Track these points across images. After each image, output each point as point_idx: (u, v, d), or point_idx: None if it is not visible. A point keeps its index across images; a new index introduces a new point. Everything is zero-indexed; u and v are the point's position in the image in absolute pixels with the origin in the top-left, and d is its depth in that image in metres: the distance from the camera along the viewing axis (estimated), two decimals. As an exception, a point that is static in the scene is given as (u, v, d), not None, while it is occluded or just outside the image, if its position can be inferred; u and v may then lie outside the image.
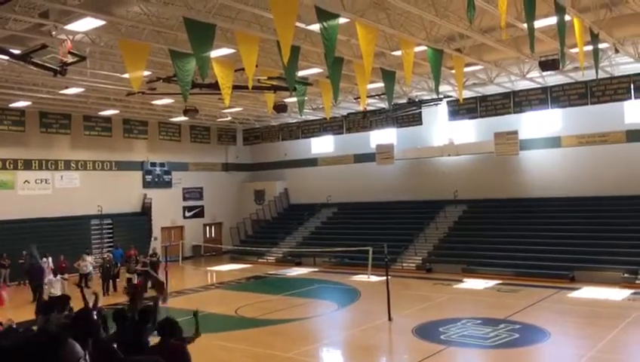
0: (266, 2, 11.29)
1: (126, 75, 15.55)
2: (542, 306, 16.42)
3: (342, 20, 12.14)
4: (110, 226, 28.05)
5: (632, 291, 17.74)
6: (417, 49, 15.03)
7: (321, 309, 17.59)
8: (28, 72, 16.99)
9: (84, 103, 23.86)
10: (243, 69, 12.99)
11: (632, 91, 20.63)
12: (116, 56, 16.30)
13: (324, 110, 21.74)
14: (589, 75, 19.29)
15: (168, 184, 31.19)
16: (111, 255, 22.62)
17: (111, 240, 27.43)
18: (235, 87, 15.59)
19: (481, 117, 24.52)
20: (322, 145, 32.62)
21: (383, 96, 21.17)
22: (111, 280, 20.97)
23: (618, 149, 23.02)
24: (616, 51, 17.00)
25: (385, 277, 15.52)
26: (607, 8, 14.57)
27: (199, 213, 32.98)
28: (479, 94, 24.13)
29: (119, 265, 21.98)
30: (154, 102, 23.22)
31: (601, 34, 14.71)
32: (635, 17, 14.46)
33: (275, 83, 16.71)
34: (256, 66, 13.17)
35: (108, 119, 27.14)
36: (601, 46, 15.70)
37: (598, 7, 14.31)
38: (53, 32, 13.46)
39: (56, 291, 16.08)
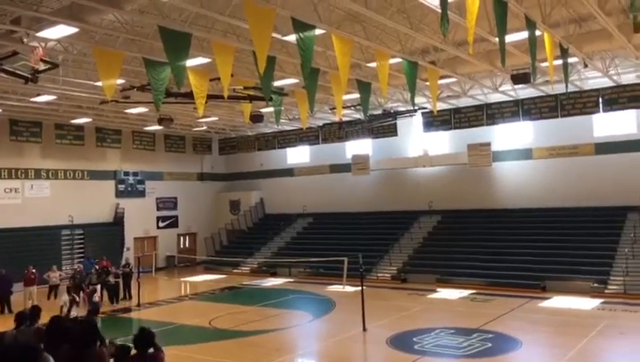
0: (242, 12, 11.31)
1: (99, 83, 15.36)
2: (514, 315, 16.62)
3: (318, 32, 12.23)
4: (81, 237, 27.50)
5: (601, 300, 18.08)
6: (392, 61, 15.22)
7: (295, 320, 17.51)
8: (-2, 78, 16.67)
9: (56, 111, 23.47)
10: (219, 79, 12.96)
11: (601, 105, 21.16)
12: (89, 64, 16.12)
13: (301, 120, 21.81)
14: (559, 88, 19.75)
15: (142, 194, 30.79)
16: (82, 266, 22.16)
17: (82, 250, 26.91)
18: (211, 97, 15.55)
19: (455, 128, 24.86)
20: (298, 155, 32.64)
21: (358, 107, 21.31)
22: (82, 292, 20.52)
23: (587, 161, 23.55)
24: (585, 66, 17.44)
25: (360, 288, 15.55)
26: (576, 24, 14.97)
27: (173, 223, 32.61)
28: (453, 106, 24.47)
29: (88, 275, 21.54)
30: (128, 110, 22.96)
31: (571, 49, 15.09)
32: (603, 33, 14.87)
33: (251, 93, 16.70)
34: (232, 76, 13.16)
35: (80, 127, 26.72)
36: (570, 60, 16.09)
37: (567, 22, 14.68)
38: (25, 39, 13.24)
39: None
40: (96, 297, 15.33)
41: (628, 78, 20.55)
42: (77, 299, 15.58)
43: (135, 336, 6.00)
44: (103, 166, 29.07)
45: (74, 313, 13.99)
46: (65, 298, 15.24)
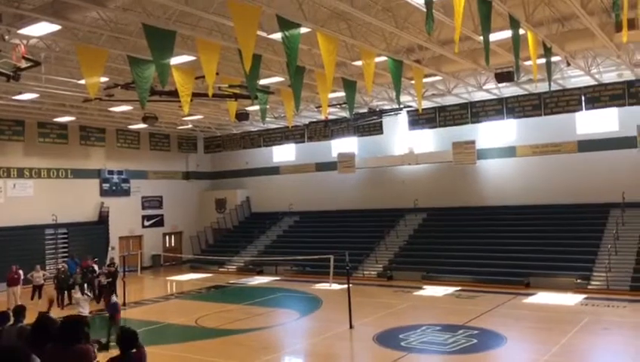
0: (227, 10, 11.27)
1: (83, 81, 15.21)
2: (499, 312, 16.78)
3: (303, 30, 12.23)
4: (65, 236, 27.23)
5: (585, 296, 18.33)
6: (378, 59, 15.26)
7: (282, 318, 17.51)
8: (-21, 76, 16.42)
9: (39, 110, 23.18)
10: (204, 77, 12.91)
11: (583, 103, 21.43)
12: (73, 62, 15.94)
13: (286, 118, 21.78)
14: (543, 87, 19.96)
15: (127, 192, 30.55)
16: (66, 265, 21.94)
17: (66, 250, 26.63)
18: (196, 95, 15.47)
19: (440, 126, 25.01)
20: (284, 153, 32.61)
21: (344, 105, 21.36)
22: (66, 292, 20.35)
23: (570, 159, 23.84)
24: (568, 64, 17.66)
25: (346, 285, 15.60)
26: (559, 23, 15.13)
27: (159, 221, 32.40)
28: (438, 104, 24.62)
29: (73, 275, 21.34)
30: (112, 108, 22.76)
31: (554, 47, 15.25)
32: (585, 32, 15.04)
33: (236, 91, 16.64)
34: (217, 74, 13.11)
35: (64, 126, 26.44)
36: (553, 59, 16.27)
37: (550, 21, 14.83)
38: (6, 37, 13.08)
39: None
40: (115, 298, 14.94)
41: (609, 77, 20.83)
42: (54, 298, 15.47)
43: (117, 337, 5.97)
44: (87, 164, 28.80)
45: (82, 310, 13.85)
46: (78, 295, 15.50)
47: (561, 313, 16.44)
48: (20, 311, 7.48)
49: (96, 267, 21.45)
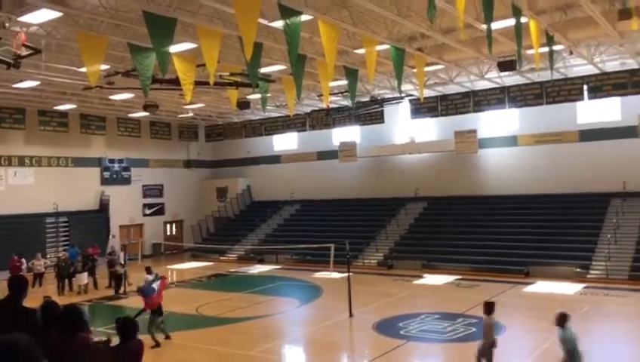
0: (228, -3, 11.19)
1: (83, 69, 15.15)
2: (498, 300, 16.60)
3: (305, 18, 12.15)
4: (66, 224, 27.28)
5: (584, 285, 18.39)
6: (379, 47, 15.18)
7: (282, 307, 17.58)
8: (-21, 64, 16.36)
9: (39, 98, 23.14)
10: (205, 65, 12.85)
11: (585, 92, 21.35)
12: (73, 50, 15.88)
13: (288, 107, 21.71)
14: (545, 75, 19.88)
15: (127, 181, 30.57)
16: (67, 253, 22.02)
17: (67, 238, 26.70)
18: (197, 83, 15.41)
19: (442, 115, 24.95)
20: (285, 142, 32.56)
21: (345, 93, 21.30)
22: (67, 279, 20.45)
23: (571, 148, 23.81)
24: (571, 53, 17.58)
25: (346, 274, 15.65)
26: (562, 11, 15.03)
27: (159, 210, 32.46)
28: (440, 93, 24.54)
29: (74, 263, 21.41)
30: (112, 97, 22.71)
31: (557, 36, 15.17)
32: (588, 20, 14.95)
33: (237, 79, 16.59)
34: (218, 62, 13.05)
35: (64, 114, 26.40)
36: (556, 48, 16.18)
37: (553, 9, 14.74)
38: (7, 24, 13.01)
39: None
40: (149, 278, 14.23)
41: (612, 66, 20.70)
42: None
43: (117, 326, 5.98)
44: (88, 153, 28.80)
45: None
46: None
47: (560, 302, 16.44)
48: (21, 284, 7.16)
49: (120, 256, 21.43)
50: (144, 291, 13.25)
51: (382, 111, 26.47)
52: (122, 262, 20.38)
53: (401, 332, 13.40)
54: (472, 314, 14.84)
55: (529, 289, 18.48)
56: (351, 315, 14.87)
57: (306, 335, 14.41)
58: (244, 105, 21.95)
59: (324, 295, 18.84)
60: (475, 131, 25.36)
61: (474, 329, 13.35)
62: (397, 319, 14.61)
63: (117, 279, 20.17)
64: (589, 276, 19.18)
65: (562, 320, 8.70)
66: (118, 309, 17.63)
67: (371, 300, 17.15)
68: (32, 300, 7.79)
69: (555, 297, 17.16)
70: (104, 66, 15.85)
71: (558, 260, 20.29)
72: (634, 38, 17.41)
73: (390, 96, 24.96)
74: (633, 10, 11.17)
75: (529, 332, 13.67)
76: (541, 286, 18.66)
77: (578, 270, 19.51)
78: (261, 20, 11.97)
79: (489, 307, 9.73)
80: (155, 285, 13.36)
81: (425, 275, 21.39)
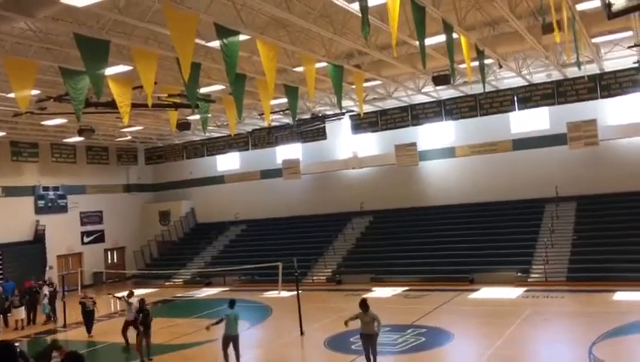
0: (163, 18, 11.04)
1: (12, 95, 14.52)
2: (445, 309, 17.17)
3: (242, 37, 12.15)
4: (-1, 257, 25.90)
5: (525, 289, 19.04)
6: (318, 65, 15.35)
7: (232, 329, 17.20)
8: None
9: (-35, 125, 21.99)
10: (142, 87, 12.59)
11: (516, 103, 22.35)
12: (1, 75, 15.19)
13: (229, 127, 21.53)
14: (478, 88, 20.64)
15: (64, 209, 29.36)
16: (0, 288, 20.84)
17: (0, 272, 25.28)
18: (135, 105, 15.05)
19: (382, 130, 25.45)
20: (228, 162, 32.25)
21: (286, 111, 21.35)
22: (1, 315, 19.35)
23: (506, 157, 24.77)
24: (500, 66, 18.35)
25: (295, 292, 15.55)
26: (490, 27, 15.73)
27: (99, 237, 31.32)
28: (379, 108, 25.04)
29: (9, 298, 20.30)
30: (45, 122, 21.84)
31: (486, 50, 15.82)
32: (515, 35, 15.68)
33: (176, 100, 16.33)
34: (156, 83, 12.81)
35: (-7, 142, 25.19)
36: (486, 62, 16.86)
37: (482, 25, 15.39)
38: None
39: None
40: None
41: (539, 77, 21.80)
42: None
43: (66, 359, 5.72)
44: (20, 181, 27.51)
45: None
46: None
47: (504, 306, 16.99)
48: None
49: (46, 289, 20.29)
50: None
51: (324, 127, 26.71)
52: (91, 297, 18.17)
53: (353, 347, 13.39)
54: (421, 324, 15.06)
55: (474, 295, 18.95)
56: (302, 333, 14.77)
57: (258, 356, 14.17)
58: (184, 126, 21.61)
59: (274, 314, 18.64)
60: (414, 144, 25.99)
61: (423, 339, 13.56)
62: (348, 334, 14.55)
63: (88, 315, 17.48)
64: (529, 280, 19.88)
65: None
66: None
67: (322, 316, 17.09)
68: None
69: (498, 302, 17.67)
70: (35, 91, 15.24)
71: (500, 266, 20.94)
72: (557, 51, 18.40)
73: (331, 112, 25.24)
74: (555, 25, 11.83)
75: (475, 338, 14.01)
76: (485, 293, 19.17)
77: (519, 274, 20.19)
78: (198, 40, 11.87)
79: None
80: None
81: (374, 288, 21.54)
